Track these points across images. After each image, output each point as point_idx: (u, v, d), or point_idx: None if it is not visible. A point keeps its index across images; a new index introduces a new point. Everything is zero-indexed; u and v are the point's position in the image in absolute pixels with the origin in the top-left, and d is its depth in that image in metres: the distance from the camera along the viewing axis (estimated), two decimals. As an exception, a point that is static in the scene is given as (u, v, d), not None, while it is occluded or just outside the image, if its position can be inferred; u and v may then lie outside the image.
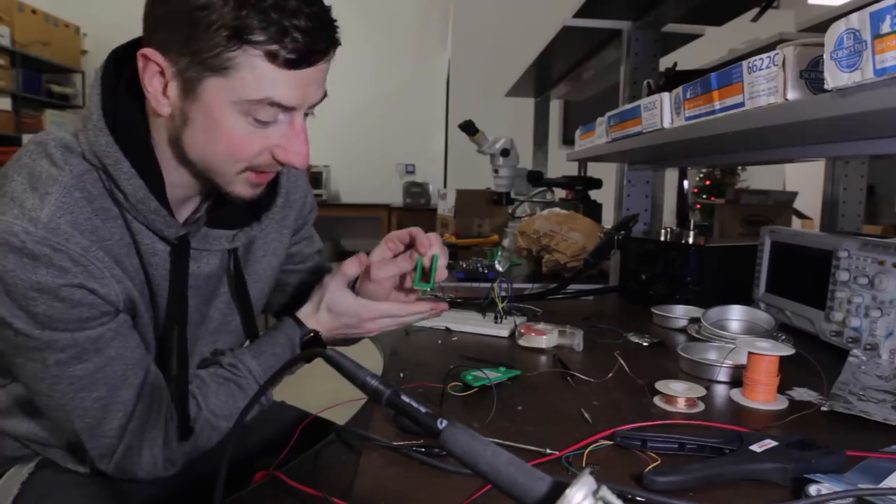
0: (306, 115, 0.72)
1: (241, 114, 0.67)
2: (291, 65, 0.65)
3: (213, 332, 0.86)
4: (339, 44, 0.70)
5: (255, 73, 0.64)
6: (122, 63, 0.72)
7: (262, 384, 0.80)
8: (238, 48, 0.63)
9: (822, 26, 1.49)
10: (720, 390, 0.87)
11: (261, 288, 0.91)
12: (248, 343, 0.89)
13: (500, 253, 1.26)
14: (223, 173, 0.71)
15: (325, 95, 0.73)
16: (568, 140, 5.25)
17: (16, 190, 0.65)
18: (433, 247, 0.84)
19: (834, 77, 0.67)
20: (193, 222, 0.79)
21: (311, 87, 0.69)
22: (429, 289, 0.85)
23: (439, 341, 1.11)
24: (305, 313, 0.87)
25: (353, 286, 0.90)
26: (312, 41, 0.65)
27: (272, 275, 0.92)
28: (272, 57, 0.64)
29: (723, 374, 0.90)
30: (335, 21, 0.68)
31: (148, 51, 0.65)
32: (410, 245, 0.86)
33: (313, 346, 0.84)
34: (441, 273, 0.85)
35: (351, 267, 0.88)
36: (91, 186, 0.68)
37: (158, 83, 0.67)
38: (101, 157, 0.68)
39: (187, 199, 0.78)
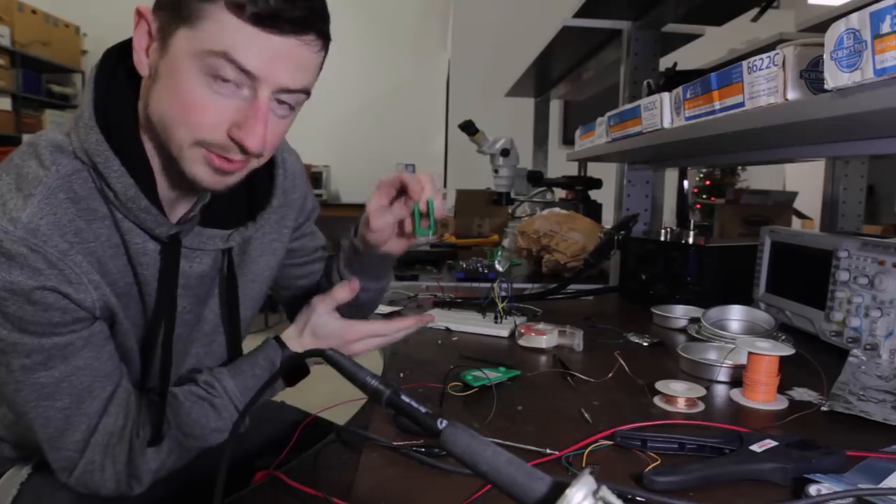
0: (283, 104, 0.69)
1: (202, 70, 0.63)
2: (256, 20, 0.62)
3: (209, 334, 0.85)
4: (328, 38, 0.68)
5: (220, 24, 0.62)
6: (117, 63, 0.72)
7: (240, 410, 0.79)
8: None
9: (822, 26, 1.49)
10: (720, 390, 0.87)
11: (258, 288, 0.90)
12: (229, 351, 0.89)
13: (500, 253, 1.26)
14: (176, 140, 0.67)
15: (307, 94, 0.69)
16: (568, 140, 5.25)
17: (1, 190, 0.64)
18: (425, 190, 0.82)
19: (834, 77, 0.67)
20: (187, 221, 0.78)
21: (280, 61, 0.64)
22: (430, 234, 0.85)
23: (439, 341, 1.11)
24: (289, 335, 0.87)
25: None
26: (286, 5, 0.62)
27: (270, 275, 0.92)
28: (238, 9, 0.61)
29: (723, 374, 0.90)
30: (324, 10, 0.67)
31: (142, 7, 0.66)
32: (404, 191, 0.85)
33: (293, 368, 0.84)
34: (438, 212, 0.83)
35: (341, 292, 0.88)
36: (79, 187, 0.67)
37: (145, 43, 0.67)
38: (92, 155, 0.67)
39: (181, 199, 0.78)
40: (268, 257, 0.90)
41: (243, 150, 0.67)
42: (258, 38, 0.62)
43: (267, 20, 0.62)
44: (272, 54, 0.63)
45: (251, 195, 0.83)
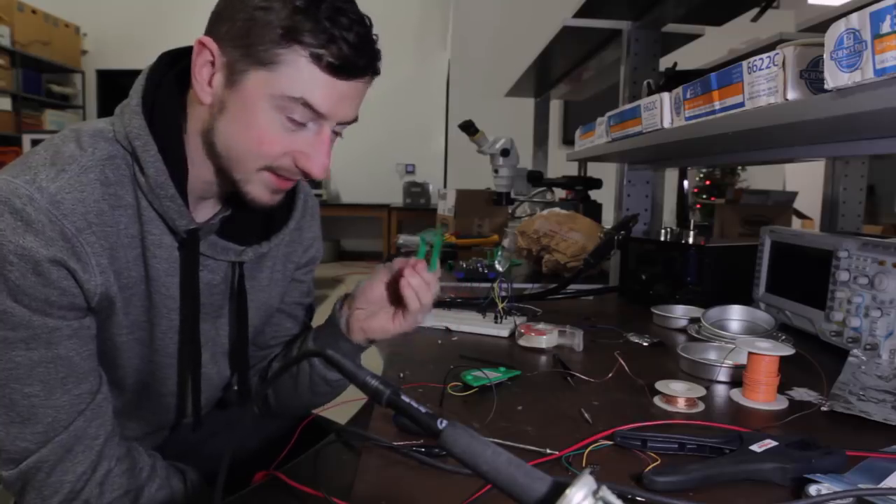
0: (336, 134, 0.74)
1: (276, 109, 0.69)
2: (333, 70, 0.68)
3: (219, 346, 0.85)
4: (379, 73, 0.73)
5: (298, 71, 0.67)
6: (171, 65, 0.75)
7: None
8: (288, 46, 0.66)
9: (822, 26, 1.49)
10: (720, 390, 0.87)
11: (261, 316, 0.89)
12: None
13: (500, 253, 1.26)
14: (244, 168, 0.72)
15: (356, 119, 0.75)
16: (568, 140, 5.25)
17: (36, 161, 0.66)
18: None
19: (834, 77, 0.67)
20: (206, 225, 0.78)
21: (345, 102, 0.71)
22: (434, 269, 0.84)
23: (439, 341, 1.11)
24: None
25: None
26: (356, 55, 0.68)
27: (274, 304, 0.91)
28: (317, 59, 0.67)
29: (723, 374, 0.90)
30: (379, 50, 0.72)
31: (205, 38, 0.69)
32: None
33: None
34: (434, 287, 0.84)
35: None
36: (111, 172, 0.69)
37: (207, 73, 0.70)
38: (132, 138, 0.70)
39: (205, 201, 0.78)
40: (274, 286, 0.89)
41: (307, 175, 0.73)
42: (331, 84, 0.69)
43: (341, 70, 0.68)
44: (340, 97, 0.70)
45: (270, 216, 0.83)
